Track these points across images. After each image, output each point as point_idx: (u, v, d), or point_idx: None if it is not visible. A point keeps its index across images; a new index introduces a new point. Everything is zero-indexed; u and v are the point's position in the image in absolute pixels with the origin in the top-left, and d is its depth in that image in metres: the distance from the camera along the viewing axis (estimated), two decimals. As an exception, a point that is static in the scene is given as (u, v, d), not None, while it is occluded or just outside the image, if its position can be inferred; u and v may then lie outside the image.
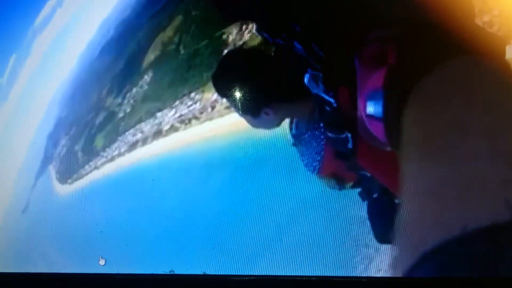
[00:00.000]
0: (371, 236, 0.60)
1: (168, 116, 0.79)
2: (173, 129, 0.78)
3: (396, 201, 0.55)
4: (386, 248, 0.58)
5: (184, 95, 0.80)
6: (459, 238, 0.30)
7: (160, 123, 0.79)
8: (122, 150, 0.78)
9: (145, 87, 0.81)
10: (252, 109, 0.62)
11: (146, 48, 0.86)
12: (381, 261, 0.59)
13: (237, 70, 0.65)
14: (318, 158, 0.60)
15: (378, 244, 0.59)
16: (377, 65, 0.47)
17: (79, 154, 0.79)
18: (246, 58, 0.67)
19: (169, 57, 0.86)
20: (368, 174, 0.58)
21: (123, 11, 0.88)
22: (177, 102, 0.80)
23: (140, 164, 0.79)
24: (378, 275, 0.57)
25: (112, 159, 0.78)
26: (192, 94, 0.80)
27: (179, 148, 0.77)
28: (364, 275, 0.59)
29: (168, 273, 0.65)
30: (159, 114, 0.79)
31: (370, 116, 0.47)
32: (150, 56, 0.85)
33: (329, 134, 0.58)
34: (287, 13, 0.61)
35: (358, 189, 0.61)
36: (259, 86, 0.63)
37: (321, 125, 0.60)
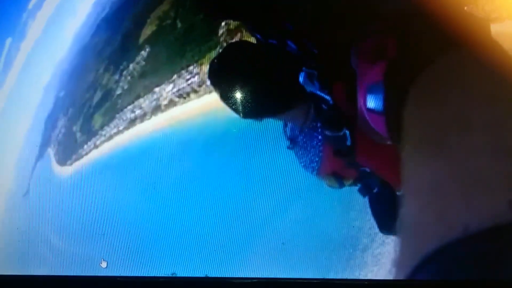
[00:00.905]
0: (372, 238, 0.59)
1: (166, 91, 0.77)
2: (172, 103, 0.76)
3: (398, 193, 0.55)
4: (388, 250, 0.57)
5: (182, 69, 0.78)
6: (462, 238, 0.28)
7: (158, 98, 0.76)
8: (121, 127, 0.76)
9: (142, 63, 0.78)
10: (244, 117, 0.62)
11: (142, 23, 0.83)
12: (382, 263, 0.58)
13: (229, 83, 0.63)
14: (316, 158, 0.59)
15: (379, 246, 0.58)
16: (377, 58, 0.46)
17: (78, 135, 0.77)
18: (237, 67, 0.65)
19: (166, 32, 0.83)
20: (368, 170, 0.57)
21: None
22: (175, 77, 0.77)
23: (140, 146, 0.77)
24: (379, 278, 0.56)
25: (111, 137, 0.76)
26: (190, 68, 0.77)
27: (178, 124, 0.75)
28: (366, 278, 0.58)
29: (170, 276, 0.65)
30: (157, 89, 0.77)
31: (371, 110, 0.46)
32: (147, 31, 0.82)
33: (327, 133, 0.57)
34: (279, 12, 0.59)
35: (358, 186, 0.60)
36: (251, 104, 0.62)
37: (318, 125, 0.59)
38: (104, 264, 0.69)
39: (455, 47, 0.37)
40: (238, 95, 0.63)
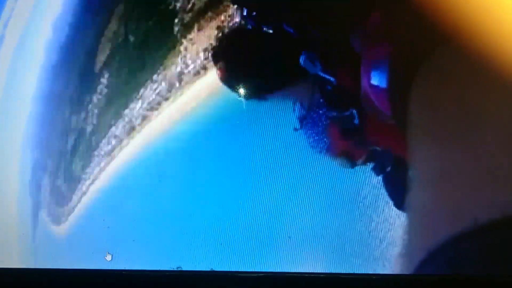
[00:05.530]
0: (382, 233, 0.57)
1: (136, 110, 0.70)
2: (145, 120, 0.69)
3: (411, 171, 0.53)
4: (398, 243, 0.54)
5: (147, 81, 0.70)
6: (471, 233, 0.29)
7: (130, 120, 0.69)
8: (102, 164, 0.69)
9: (105, 90, 0.72)
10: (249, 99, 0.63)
11: (94, 52, 0.77)
12: (391, 257, 0.55)
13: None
14: (325, 138, 0.58)
15: (389, 240, 0.56)
16: (383, 35, 0.47)
17: (63, 187, 0.70)
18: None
19: (120, 51, 0.76)
20: (379, 149, 0.57)
21: (61, 30, 0.81)
22: (141, 91, 0.70)
23: (135, 163, 0.70)
24: (387, 272, 0.55)
25: (96, 177, 0.69)
26: (154, 77, 0.70)
27: (161, 136, 0.68)
28: (374, 272, 0.57)
29: (175, 269, 0.64)
30: (126, 112, 0.70)
31: (375, 87, 0.46)
32: (101, 58, 0.76)
33: (333, 113, 0.58)
34: None
35: (371, 165, 0.58)
36: (254, 84, 0.63)
37: (324, 104, 0.58)
38: (109, 258, 0.68)
39: (469, 33, 0.35)
40: (240, 77, 0.63)
